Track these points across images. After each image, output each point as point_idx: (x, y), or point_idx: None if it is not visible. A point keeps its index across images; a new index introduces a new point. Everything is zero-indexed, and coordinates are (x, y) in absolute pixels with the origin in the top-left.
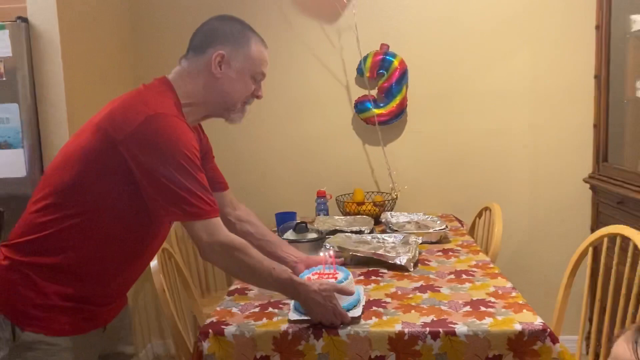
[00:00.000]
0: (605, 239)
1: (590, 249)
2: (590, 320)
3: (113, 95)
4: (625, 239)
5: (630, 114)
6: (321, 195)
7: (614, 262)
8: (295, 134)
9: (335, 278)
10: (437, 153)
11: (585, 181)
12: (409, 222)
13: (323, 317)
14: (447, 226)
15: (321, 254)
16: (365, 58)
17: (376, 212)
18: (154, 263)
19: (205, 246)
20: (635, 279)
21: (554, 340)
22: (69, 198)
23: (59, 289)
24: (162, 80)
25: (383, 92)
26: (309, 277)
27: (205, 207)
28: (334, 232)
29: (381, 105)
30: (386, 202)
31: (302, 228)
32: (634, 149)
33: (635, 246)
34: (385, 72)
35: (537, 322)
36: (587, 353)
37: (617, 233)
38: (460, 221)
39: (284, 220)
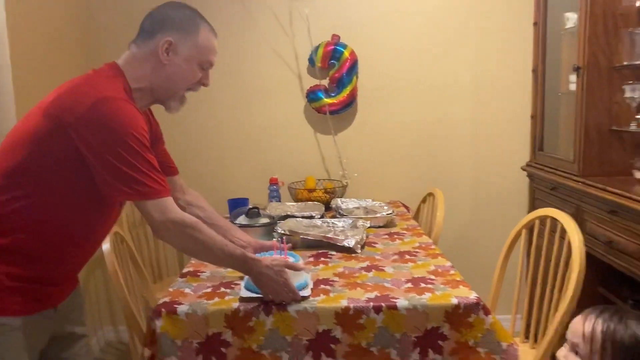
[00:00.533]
0: (537, 221)
1: (524, 230)
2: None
3: (63, 81)
4: (554, 221)
5: (564, 105)
6: (273, 182)
7: (544, 242)
8: (248, 122)
9: None
10: (385, 142)
11: (522, 169)
12: (357, 208)
13: (274, 291)
14: (393, 211)
15: (273, 239)
16: (316, 48)
17: (327, 198)
18: (106, 246)
19: (158, 225)
20: (562, 256)
21: (487, 312)
22: (17, 181)
23: (8, 270)
24: (111, 66)
25: (334, 82)
26: None
27: (156, 187)
28: (285, 217)
29: (332, 94)
30: (337, 189)
31: (254, 213)
32: (567, 138)
33: (562, 227)
34: (336, 63)
35: (472, 296)
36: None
37: (546, 215)
38: (406, 207)
39: (236, 206)
